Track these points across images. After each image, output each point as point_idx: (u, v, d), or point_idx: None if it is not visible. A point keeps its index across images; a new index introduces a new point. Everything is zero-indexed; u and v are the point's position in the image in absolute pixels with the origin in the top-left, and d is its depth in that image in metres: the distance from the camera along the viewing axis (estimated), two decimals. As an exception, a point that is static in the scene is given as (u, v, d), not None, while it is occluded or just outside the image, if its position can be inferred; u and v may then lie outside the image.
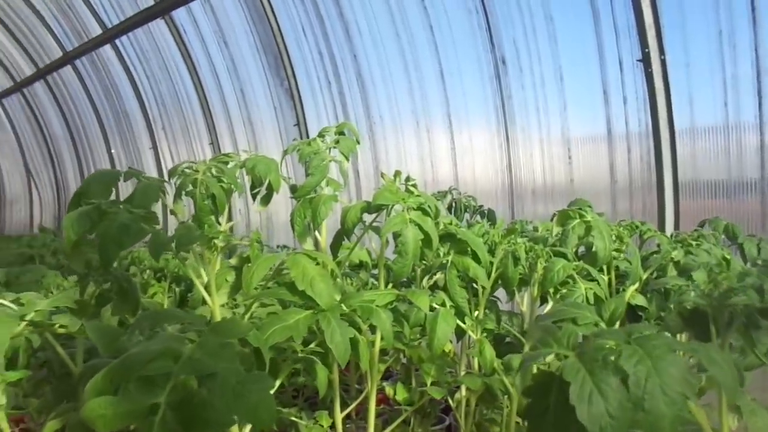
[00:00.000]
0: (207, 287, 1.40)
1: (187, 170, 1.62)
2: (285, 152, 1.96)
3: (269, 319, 1.27)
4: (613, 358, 0.82)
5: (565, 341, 0.87)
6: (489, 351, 1.52)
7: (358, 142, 2.06)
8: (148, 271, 3.14)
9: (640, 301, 1.75)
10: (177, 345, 1.02)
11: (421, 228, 1.54)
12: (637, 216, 3.64)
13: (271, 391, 1.48)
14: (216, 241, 1.35)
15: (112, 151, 9.29)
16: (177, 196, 1.50)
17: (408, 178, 1.72)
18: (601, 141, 3.79)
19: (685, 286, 1.17)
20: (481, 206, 3.35)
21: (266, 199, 1.83)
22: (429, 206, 1.61)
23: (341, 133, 2.01)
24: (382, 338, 1.64)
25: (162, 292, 2.93)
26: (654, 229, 1.77)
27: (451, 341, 2.11)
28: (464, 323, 1.60)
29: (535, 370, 0.98)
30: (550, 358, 0.87)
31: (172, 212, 1.61)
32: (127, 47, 7.76)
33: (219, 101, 6.66)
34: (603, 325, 0.94)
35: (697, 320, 1.17)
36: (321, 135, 2.00)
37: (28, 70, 10.38)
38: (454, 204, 3.37)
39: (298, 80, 5.66)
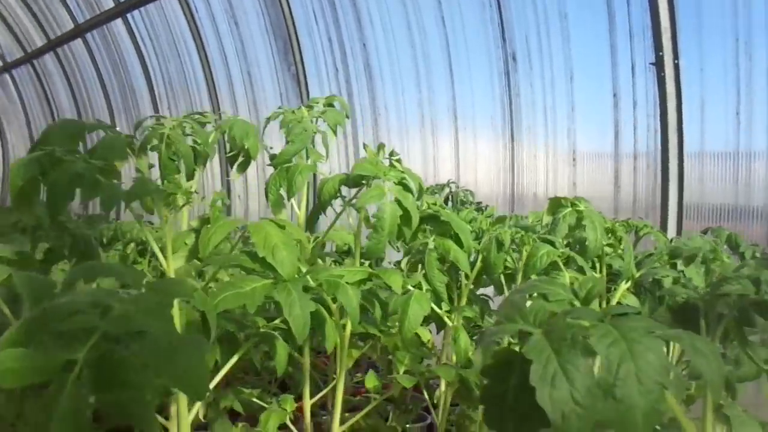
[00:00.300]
0: (163, 249, 1.31)
1: (158, 125, 1.53)
2: (267, 119, 1.87)
3: (222, 285, 1.17)
4: (584, 338, 0.72)
5: (532, 317, 0.77)
6: (464, 339, 1.42)
7: (348, 116, 1.97)
8: (131, 245, 3.05)
9: (631, 301, 1.65)
10: (108, 299, 0.92)
11: (400, 204, 1.44)
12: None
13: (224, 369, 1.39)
14: (174, 197, 1.25)
15: (117, 128, 9.21)
16: (140, 150, 1.41)
17: (392, 153, 1.62)
18: (608, 147, 3.68)
19: (676, 279, 1.07)
20: (479, 203, 3.25)
21: (243, 166, 1.74)
22: (412, 183, 1.51)
23: (330, 105, 1.92)
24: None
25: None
26: (651, 227, 1.66)
27: (430, 331, 2.01)
28: (441, 309, 1.50)
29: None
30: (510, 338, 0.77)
31: (137, 170, 1.52)
32: (138, 22, 7.68)
33: (225, 82, 6.58)
34: (578, 304, 0.84)
35: (687, 315, 1.07)
36: (309, 105, 1.91)
37: (39, 41, 10.33)
38: (451, 197, 3.28)
39: (306, 67, 5.57)
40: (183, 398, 1.25)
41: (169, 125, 1.47)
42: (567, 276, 1.28)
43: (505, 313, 0.80)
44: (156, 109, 7.95)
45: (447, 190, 3.33)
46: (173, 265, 1.31)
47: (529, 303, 0.82)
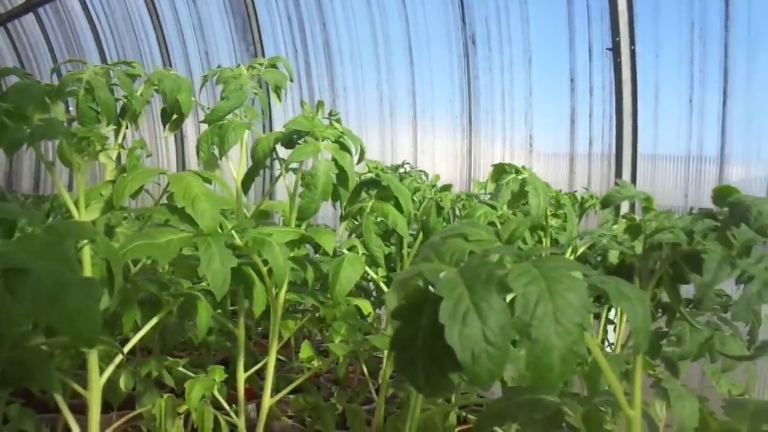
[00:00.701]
0: (77, 201, 1.21)
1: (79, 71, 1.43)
2: (204, 78, 1.77)
3: (134, 235, 1.08)
4: (501, 274, 0.66)
5: (448, 257, 0.71)
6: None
7: (291, 80, 1.88)
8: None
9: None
10: (-12, 238, 0.83)
11: (337, 163, 1.37)
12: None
13: (142, 331, 1.30)
14: (86, 144, 1.15)
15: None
16: (56, 96, 1.30)
17: (332, 112, 1.55)
18: (564, 132, 3.67)
19: (611, 237, 1.03)
20: (434, 185, 3.20)
21: (175, 124, 1.64)
22: (351, 143, 1.44)
23: (273, 66, 1.84)
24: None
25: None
26: (597, 198, 1.63)
27: (374, 307, 1.95)
28: (377, 275, 1.43)
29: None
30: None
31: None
32: (93, -2, 7.42)
33: (182, 61, 6.39)
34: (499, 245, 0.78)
35: (622, 274, 1.02)
36: (251, 66, 1.82)
37: (-12, 15, 9.89)
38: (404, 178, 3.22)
39: (265, 46, 5.45)
40: (93, 359, 1.16)
41: (92, 70, 1.37)
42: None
43: (422, 253, 0.74)
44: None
45: (401, 170, 3.28)
46: (88, 216, 1.22)
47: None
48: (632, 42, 3.25)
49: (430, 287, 0.69)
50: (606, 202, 0.98)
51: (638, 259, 0.94)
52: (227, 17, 5.74)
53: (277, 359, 2.41)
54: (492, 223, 1.27)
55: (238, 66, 1.69)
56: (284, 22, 5.23)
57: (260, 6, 5.37)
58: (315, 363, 1.89)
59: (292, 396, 2.04)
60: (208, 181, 1.27)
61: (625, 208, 3.26)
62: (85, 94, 1.31)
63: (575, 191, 1.75)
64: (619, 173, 3.36)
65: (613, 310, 1.94)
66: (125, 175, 1.15)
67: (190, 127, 5.45)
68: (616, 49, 3.29)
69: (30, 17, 8.85)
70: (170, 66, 6.53)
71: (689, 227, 0.87)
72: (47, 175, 9.31)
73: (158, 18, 6.47)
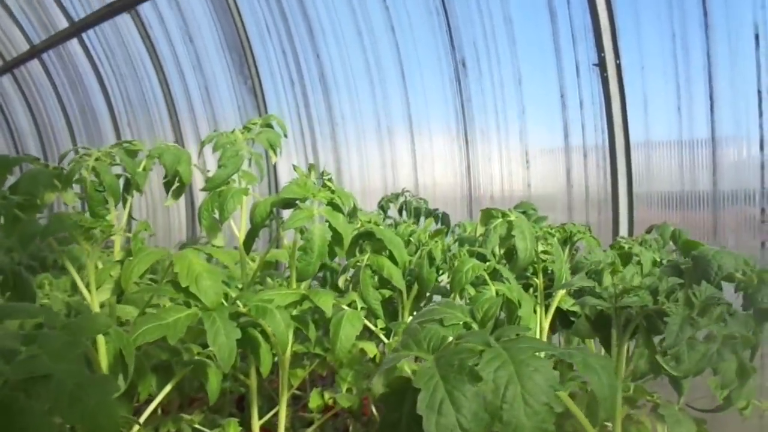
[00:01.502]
0: (88, 284, 1.29)
1: (84, 156, 1.52)
2: (202, 143, 1.86)
3: (143, 317, 1.16)
4: (472, 362, 0.73)
5: (426, 344, 0.78)
6: (399, 356, 1.42)
7: (285, 136, 1.97)
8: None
9: (571, 304, 1.67)
10: (13, 343, 0.91)
11: (330, 224, 1.44)
12: (592, 226, 3.59)
13: (158, 398, 1.37)
14: (93, 232, 1.24)
15: (79, 147, 9.07)
16: (66, 183, 1.39)
17: (324, 173, 1.63)
18: (558, 146, 3.74)
19: (589, 288, 1.09)
20: (435, 209, 3.27)
21: (177, 193, 1.73)
22: (342, 202, 1.51)
23: (268, 125, 1.92)
24: (293, 341, 1.54)
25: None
26: (584, 232, 1.69)
27: (377, 346, 2.01)
28: (376, 326, 1.50)
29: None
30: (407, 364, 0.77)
31: (66, 202, 1.50)
32: (94, 42, 7.58)
33: (184, 98, 6.52)
34: (475, 326, 0.85)
35: (602, 324, 1.09)
36: (246, 127, 1.90)
37: (-7, 63, 10.12)
38: (405, 205, 3.29)
39: (262, 79, 5.56)
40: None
41: (96, 156, 1.46)
42: (493, 288, 1.29)
43: (402, 340, 0.81)
44: (116, 126, 7.86)
45: (402, 198, 3.35)
46: (99, 297, 1.30)
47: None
48: (617, 56, 3.32)
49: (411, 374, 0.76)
50: (575, 269, 1.05)
51: (613, 315, 1.00)
52: (224, 53, 5.86)
53: (293, 395, 2.49)
54: (479, 278, 1.34)
55: (233, 131, 1.77)
56: (279, 55, 5.34)
57: (254, 40, 5.49)
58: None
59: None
60: (211, 255, 1.35)
61: (623, 230, 3.32)
62: (92, 180, 1.39)
63: (569, 223, 1.81)
64: (615, 182, 3.41)
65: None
66: (131, 258, 1.23)
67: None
68: (601, 64, 3.36)
69: (35, 63, 9.05)
70: (172, 102, 6.67)
71: (654, 285, 0.93)
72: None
73: (157, 57, 6.61)
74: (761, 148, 3.01)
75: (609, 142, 3.40)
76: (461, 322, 0.83)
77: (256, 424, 1.73)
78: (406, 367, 1.03)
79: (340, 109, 4.98)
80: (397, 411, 0.76)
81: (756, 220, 3.04)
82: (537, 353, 0.75)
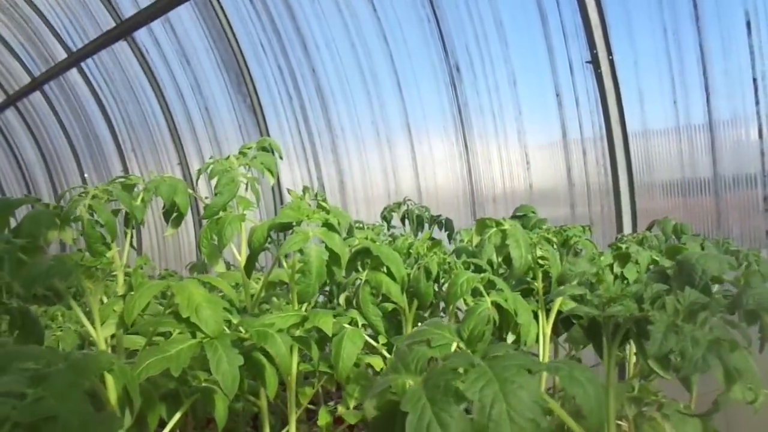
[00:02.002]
0: (93, 321, 1.32)
1: (82, 194, 1.55)
2: (199, 172, 1.89)
3: (146, 351, 1.19)
4: (458, 383, 0.75)
5: (413, 365, 0.80)
6: (402, 371, 1.44)
7: (281, 158, 1.99)
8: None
9: (572, 306, 1.68)
10: (20, 386, 0.94)
11: (326, 245, 1.46)
12: (596, 219, 3.60)
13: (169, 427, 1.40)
14: (95, 270, 1.27)
15: (85, 175, 9.18)
16: (63, 222, 1.43)
17: (317, 195, 1.65)
18: (557, 144, 3.75)
19: (579, 297, 1.10)
20: (438, 216, 3.29)
21: (176, 222, 1.76)
22: (338, 221, 1.54)
23: (263, 149, 1.95)
24: (298, 363, 1.56)
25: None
26: (580, 234, 1.70)
27: (384, 360, 2.03)
28: (378, 342, 1.52)
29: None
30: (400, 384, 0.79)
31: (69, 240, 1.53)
32: (93, 70, 7.69)
33: (185, 120, 6.59)
34: (462, 345, 0.87)
35: (594, 331, 1.11)
36: (242, 152, 1.93)
37: (-2, 98, 10.27)
38: (407, 214, 3.31)
39: (260, 96, 5.61)
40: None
41: (92, 194, 1.49)
42: (488, 300, 1.31)
43: (392, 363, 0.83)
44: (120, 152, 7.95)
45: (404, 207, 3.37)
46: (105, 333, 1.33)
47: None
48: (609, 52, 3.33)
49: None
50: (561, 281, 1.07)
51: (602, 322, 1.01)
52: (221, 73, 5.92)
53: (308, 409, 2.52)
54: (475, 290, 1.35)
55: (228, 158, 1.80)
56: (275, 72, 5.39)
57: (250, 59, 5.54)
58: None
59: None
60: (213, 285, 1.38)
61: (627, 221, 3.32)
62: (89, 218, 1.42)
63: (563, 226, 1.82)
64: (615, 177, 3.42)
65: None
66: (133, 293, 1.26)
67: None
68: (595, 61, 3.37)
69: (37, 94, 9.18)
70: (173, 125, 6.73)
71: (639, 292, 0.95)
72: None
73: (156, 81, 6.69)
74: (759, 135, 3.01)
75: (607, 136, 3.41)
76: (449, 343, 0.85)
77: (269, 443, 1.75)
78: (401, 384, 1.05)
79: (339, 121, 5.02)
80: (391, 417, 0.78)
81: (759, 201, 3.03)
82: (522, 369, 0.77)
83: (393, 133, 4.67)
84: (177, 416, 1.41)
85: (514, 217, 2.30)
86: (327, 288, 2.29)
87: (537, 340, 1.63)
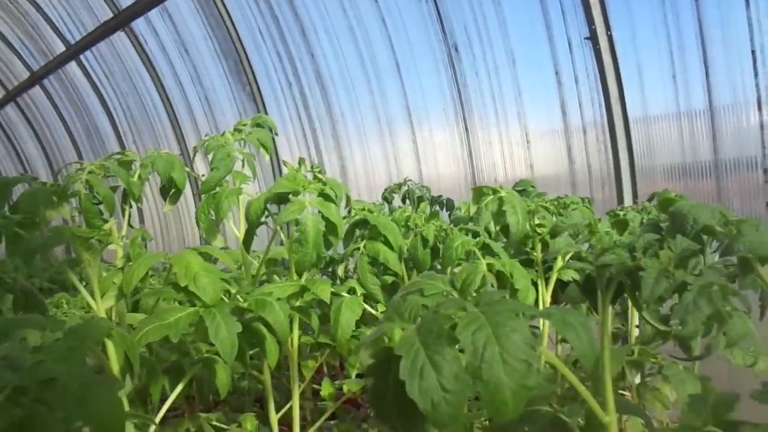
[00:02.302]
0: (92, 293, 1.33)
1: (78, 170, 1.56)
2: (195, 149, 1.89)
3: (145, 319, 1.19)
4: (451, 327, 0.75)
5: (407, 314, 0.81)
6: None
7: (276, 134, 2.00)
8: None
9: (571, 274, 1.68)
10: (19, 353, 0.95)
11: (323, 215, 1.47)
12: (597, 201, 3.59)
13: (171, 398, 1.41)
14: (92, 242, 1.28)
15: (73, 162, 9.18)
16: (61, 198, 1.43)
17: (314, 166, 1.66)
18: (557, 124, 3.74)
19: (576, 252, 1.11)
20: (439, 196, 3.29)
21: (174, 198, 1.77)
22: (334, 193, 1.54)
23: (258, 125, 1.95)
24: (301, 333, 1.57)
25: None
26: (578, 202, 1.70)
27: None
28: (377, 311, 1.53)
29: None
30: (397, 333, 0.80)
31: (73, 217, 1.54)
32: (92, 62, 7.68)
33: (185, 111, 6.59)
34: (455, 294, 0.87)
35: (590, 287, 1.11)
36: (237, 129, 1.93)
37: (-2, 94, 10.28)
38: (408, 194, 3.31)
39: (260, 84, 5.60)
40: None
41: (89, 169, 1.49)
42: (484, 263, 1.31)
43: (386, 313, 0.83)
44: (121, 144, 7.96)
45: (404, 188, 3.37)
46: (105, 305, 1.34)
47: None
48: (608, 28, 3.31)
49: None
50: (553, 233, 1.07)
51: (596, 274, 1.02)
52: (220, 61, 5.91)
53: (314, 389, 2.53)
54: (469, 253, 1.36)
55: (223, 134, 1.80)
56: (274, 59, 5.38)
57: (249, 46, 5.53)
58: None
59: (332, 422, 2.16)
60: (209, 255, 1.39)
61: (628, 198, 3.32)
62: (87, 193, 1.43)
63: (566, 195, 1.82)
64: (616, 156, 3.41)
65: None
66: (131, 264, 1.27)
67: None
68: (593, 37, 3.35)
69: (37, 89, 9.18)
70: (174, 115, 6.73)
71: (631, 242, 0.95)
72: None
73: (155, 71, 6.68)
74: (759, 108, 2.99)
75: (607, 115, 3.40)
76: (441, 292, 0.85)
77: (274, 417, 1.76)
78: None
79: (339, 106, 5.01)
80: (384, 380, 0.78)
81: (759, 183, 3.03)
82: (514, 314, 0.77)
83: (393, 117, 4.67)
84: (180, 387, 1.42)
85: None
86: (330, 269, 2.30)
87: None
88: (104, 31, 6.74)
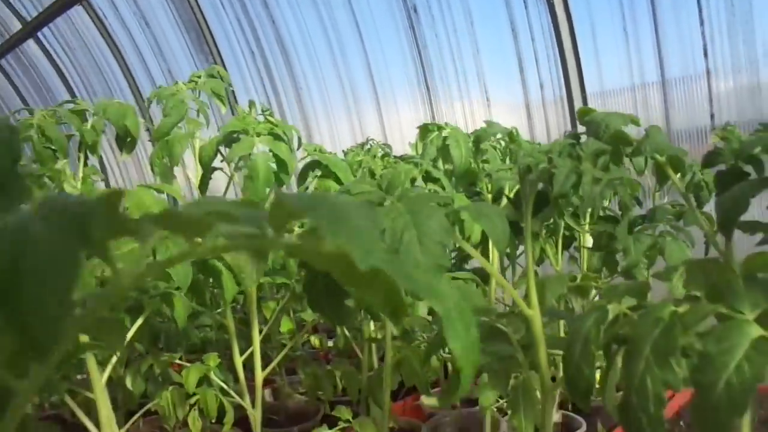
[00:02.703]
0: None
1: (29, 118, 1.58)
2: (148, 100, 1.92)
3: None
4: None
5: (334, 210, 0.87)
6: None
7: (230, 85, 2.03)
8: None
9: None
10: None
11: (273, 153, 1.52)
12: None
13: (130, 333, 1.46)
14: (44, 180, 1.31)
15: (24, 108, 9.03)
16: (13, 141, 1.46)
17: (263, 108, 1.70)
18: (516, 83, 3.81)
19: (506, 171, 1.18)
20: (403, 156, 3.34)
21: (130, 147, 1.80)
22: (284, 133, 1.59)
23: (211, 76, 1.98)
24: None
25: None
26: (517, 138, 1.78)
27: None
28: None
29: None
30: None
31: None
32: (51, 39, 7.52)
33: (148, 84, 6.51)
34: (382, 194, 0.94)
35: (518, 201, 1.18)
36: (192, 80, 1.96)
37: (-46, 75, 10.00)
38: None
39: (223, 54, 5.57)
40: (92, 363, 1.34)
41: (39, 114, 1.52)
42: (426, 188, 1.38)
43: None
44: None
45: (367, 146, 3.42)
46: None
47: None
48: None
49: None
50: (477, 140, 1.14)
51: (519, 177, 1.09)
52: (181, 33, 5.85)
53: (281, 342, 2.60)
54: (413, 179, 1.42)
55: (176, 83, 1.83)
56: (236, 28, 5.35)
57: (210, 16, 5.48)
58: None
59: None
60: (161, 191, 1.43)
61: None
62: (39, 137, 1.46)
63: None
64: (572, 112, 3.50)
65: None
66: (84, 199, 1.31)
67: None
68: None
69: (-5, 70, 8.97)
70: (137, 90, 6.66)
71: (549, 149, 1.02)
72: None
73: (116, 46, 6.58)
74: (708, 80, 3.08)
75: (563, 71, 3.48)
76: (366, 191, 0.92)
77: (238, 360, 1.82)
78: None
79: (303, 77, 5.01)
80: (315, 271, 0.85)
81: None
82: (431, 204, 0.84)
83: (357, 85, 4.70)
84: (139, 321, 1.47)
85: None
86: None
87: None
88: (61, 5, 6.59)
